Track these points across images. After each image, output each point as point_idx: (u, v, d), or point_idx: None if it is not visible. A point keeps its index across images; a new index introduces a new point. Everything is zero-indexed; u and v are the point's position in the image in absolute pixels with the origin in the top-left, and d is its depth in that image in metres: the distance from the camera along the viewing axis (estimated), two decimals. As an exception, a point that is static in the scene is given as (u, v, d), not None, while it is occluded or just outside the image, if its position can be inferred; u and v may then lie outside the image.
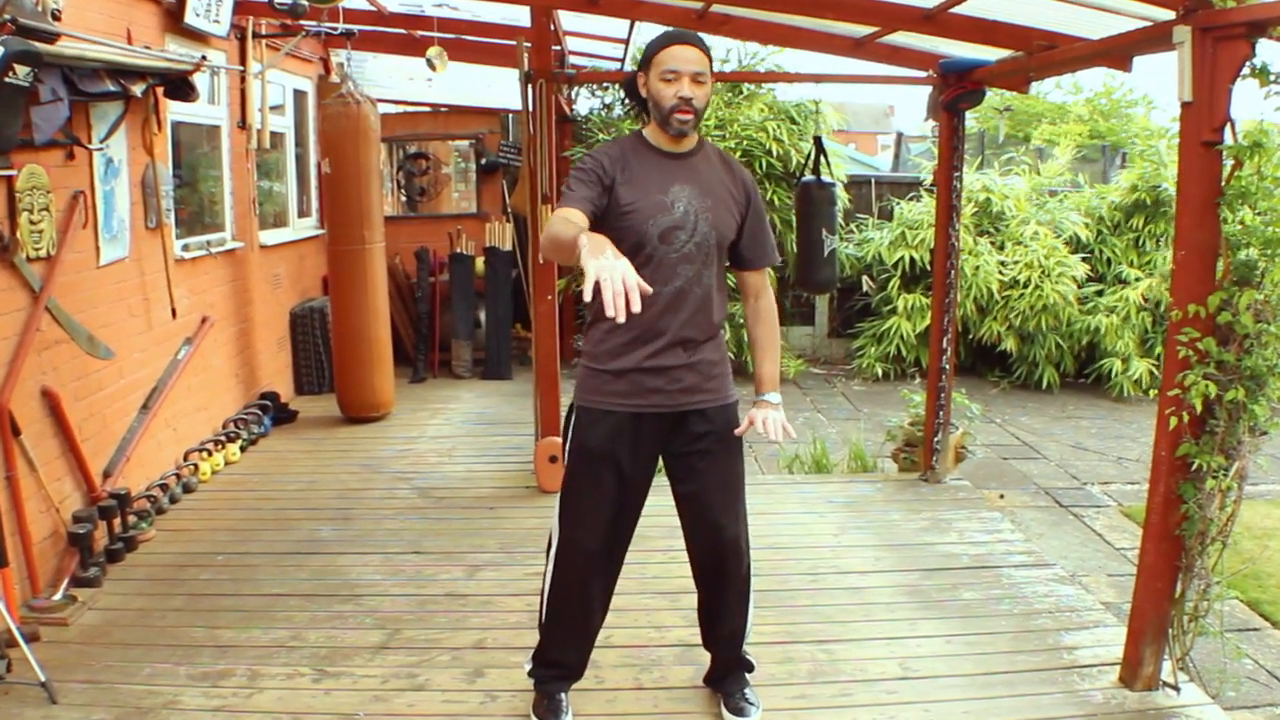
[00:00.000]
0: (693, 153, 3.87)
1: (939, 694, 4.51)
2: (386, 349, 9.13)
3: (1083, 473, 9.00)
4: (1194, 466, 4.11)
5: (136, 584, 5.62)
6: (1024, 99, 24.05)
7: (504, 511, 6.81)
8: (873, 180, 14.05)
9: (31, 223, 5.35)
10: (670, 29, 3.95)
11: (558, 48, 8.10)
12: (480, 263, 11.35)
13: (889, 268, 12.40)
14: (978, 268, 11.69)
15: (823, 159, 7.77)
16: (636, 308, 2.97)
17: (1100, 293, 12.01)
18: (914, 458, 7.65)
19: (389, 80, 11.73)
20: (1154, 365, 11.47)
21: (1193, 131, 4.02)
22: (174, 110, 7.32)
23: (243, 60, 8.37)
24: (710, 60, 3.76)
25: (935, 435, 7.32)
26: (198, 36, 7.48)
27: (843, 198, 12.39)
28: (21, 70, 4.46)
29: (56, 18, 5.27)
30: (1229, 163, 3.96)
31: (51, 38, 4.95)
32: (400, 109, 12.62)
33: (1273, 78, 3.82)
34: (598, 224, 3.66)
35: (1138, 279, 11.85)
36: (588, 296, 3.28)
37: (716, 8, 6.57)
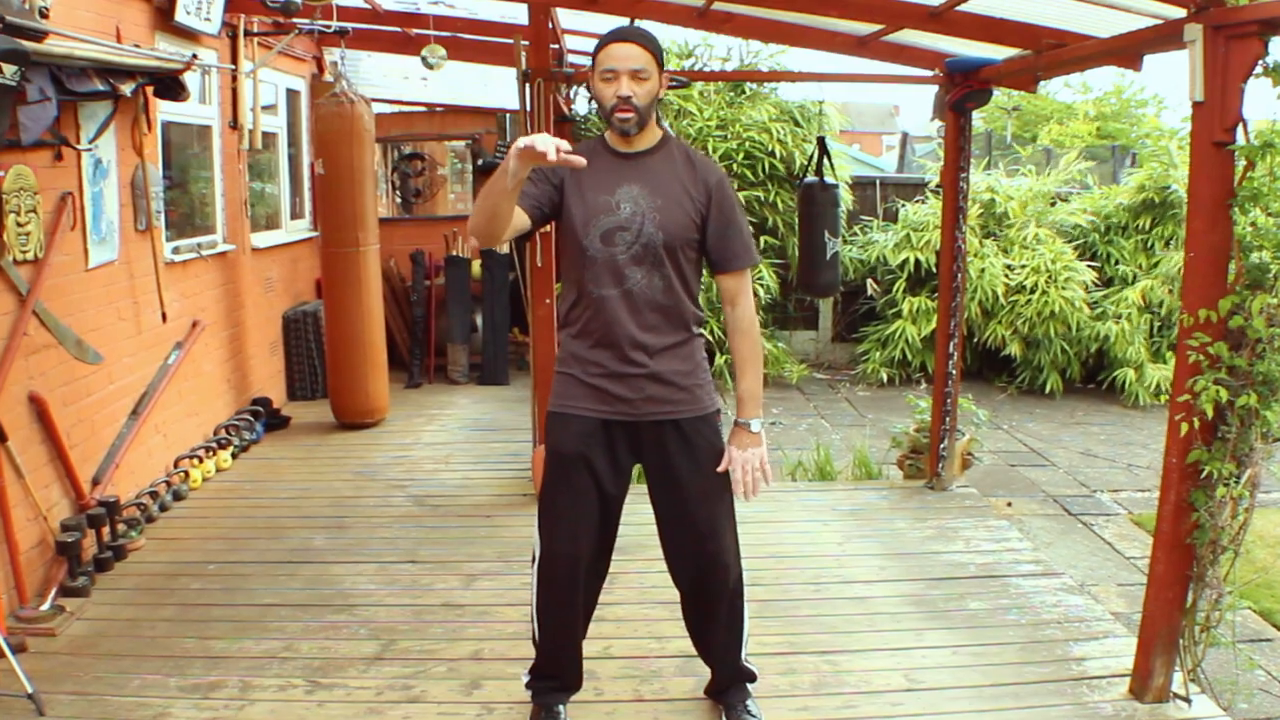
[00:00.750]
0: (650, 151, 3.84)
1: (946, 706, 4.51)
2: (381, 354, 9.12)
3: (1092, 480, 9.00)
4: (1205, 474, 4.11)
5: (126, 594, 5.62)
6: (1032, 99, 24.12)
7: (501, 520, 6.81)
8: (877, 181, 14.06)
9: (18, 225, 5.35)
10: (612, 28, 3.94)
11: (556, 46, 8.07)
12: (477, 266, 11.36)
13: (894, 270, 12.41)
14: (983, 271, 11.70)
15: (826, 160, 7.79)
16: (566, 145, 3.17)
17: (1108, 297, 12.01)
18: (919, 465, 7.65)
19: (384, 79, 11.73)
20: (1168, 373, 11.47)
21: (1204, 132, 4.01)
22: (164, 110, 7.33)
23: (234, 59, 8.38)
24: (654, 55, 3.71)
25: (941, 442, 7.32)
26: (188, 34, 7.48)
27: (846, 199, 12.43)
28: (8, 69, 4.46)
29: (44, 15, 5.27)
30: (1241, 163, 3.96)
31: (39, 36, 4.95)
32: (395, 109, 12.62)
33: (1286, 76, 3.83)
34: (544, 222, 3.84)
35: (1150, 287, 11.84)
36: (511, 155, 3.26)
37: (718, 5, 6.58)
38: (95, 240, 6.24)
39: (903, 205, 13.01)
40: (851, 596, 5.64)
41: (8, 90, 4.53)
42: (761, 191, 11.85)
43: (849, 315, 13.29)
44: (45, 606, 5.24)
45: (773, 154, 11.72)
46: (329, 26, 8.63)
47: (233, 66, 8.36)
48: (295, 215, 10.72)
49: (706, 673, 4.39)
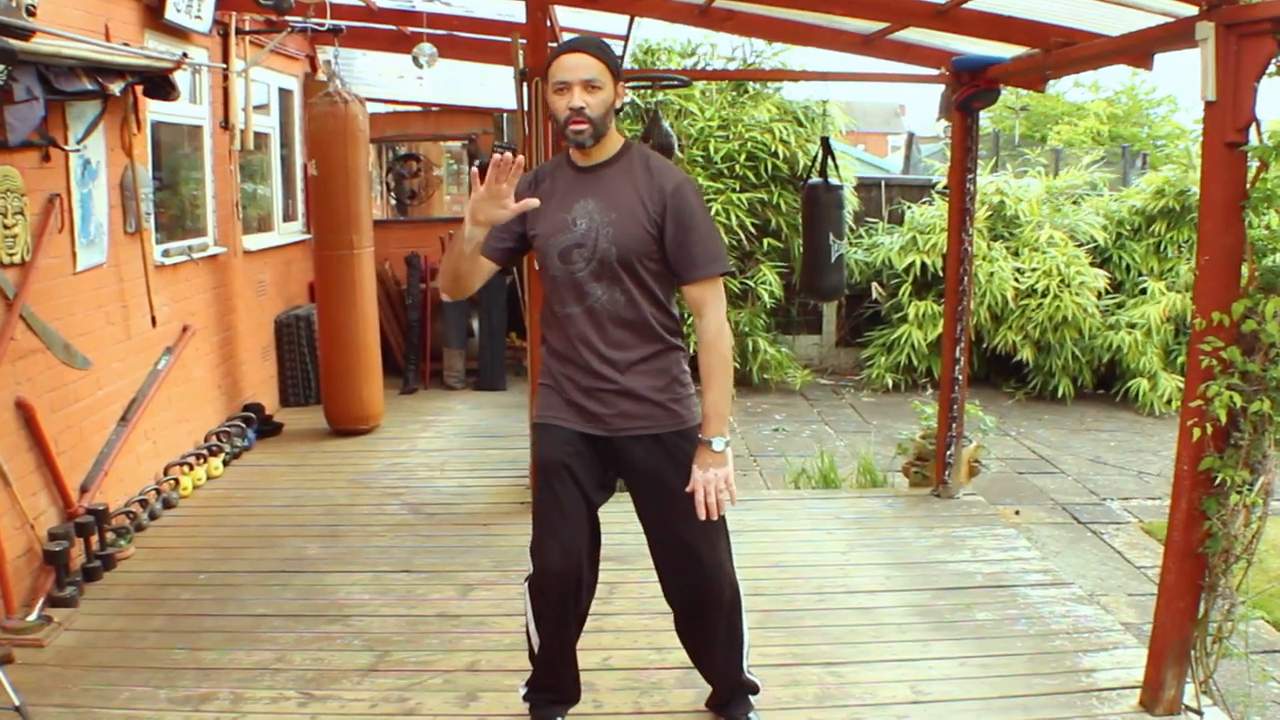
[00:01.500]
0: (609, 163, 3.82)
1: (952, 718, 4.51)
2: (375, 359, 9.13)
3: (1102, 488, 9.00)
4: (1217, 481, 4.11)
5: (115, 604, 5.62)
6: (1041, 98, 24.12)
7: (498, 528, 6.81)
8: (882, 183, 14.05)
9: (5, 227, 5.36)
10: (565, 40, 3.95)
11: (554, 44, 8.09)
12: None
13: (899, 273, 12.41)
14: (992, 274, 11.69)
15: (830, 161, 7.80)
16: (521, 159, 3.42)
17: (1121, 304, 12.01)
18: (925, 472, 7.65)
19: (378, 78, 11.74)
20: (1182, 382, 11.46)
21: (1216, 132, 4.02)
22: (154, 110, 7.34)
23: (225, 58, 8.38)
24: (607, 64, 3.70)
25: (948, 449, 7.32)
26: (179, 33, 7.49)
27: (851, 201, 12.43)
28: (-4, 68, 4.47)
29: (31, 13, 5.27)
30: (1254, 164, 3.96)
31: (26, 34, 4.96)
32: (390, 108, 12.62)
33: (1300, 76, 3.83)
34: (512, 256, 3.94)
35: (1161, 292, 11.84)
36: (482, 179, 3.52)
37: (719, 3, 6.59)
38: (84, 243, 6.24)
39: (909, 207, 13.00)
40: (856, 607, 5.64)
41: (-6, 89, 4.54)
42: (764, 193, 11.87)
43: (854, 319, 13.29)
44: (32, 617, 5.23)
45: (776, 155, 11.74)
46: (322, 24, 8.64)
47: (224, 65, 8.36)
48: (288, 217, 10.73)
49: (708, 684, 4.40)
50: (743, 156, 11.71)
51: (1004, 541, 6.61)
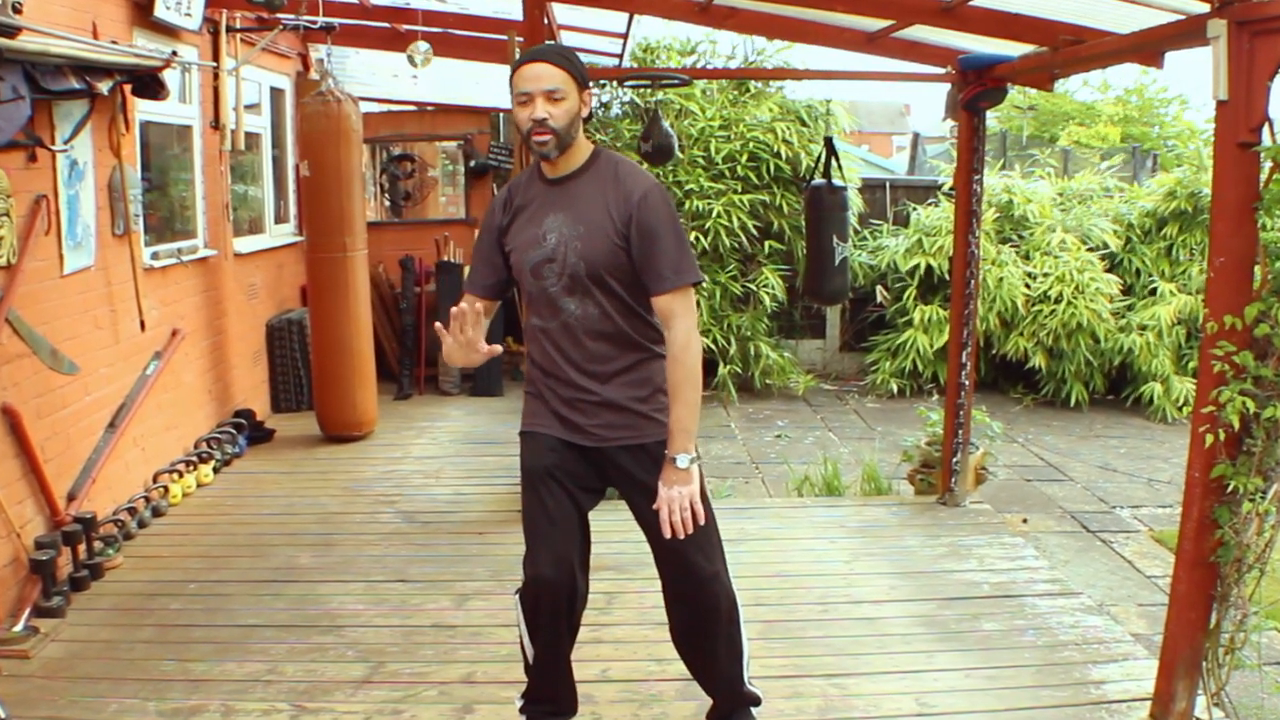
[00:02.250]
0: (577, 174, 3.82)
1: (959, 731, 4.51)
2: (369, 364, 9.14)
3: (1111, 495, 9.01)
4: (1230, 489, 4.11)
5: (103, 614, 5.62)
6: (1049, 97, 24.15)
7: (494, 537, 6.80)
8: (887, 184, 14.08)
9: (-9, 229, 5.36)
10: (527, 50, 3.96)
11: (550, 42, 8.10)
12: (469, 272, 11.33)
13: (904, 276, 12.42)
14: (1001, 279, 11.70)
15: (834, 161, 7.80)
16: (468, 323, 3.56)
17: (1131, 307, 12.02)
18: (931, 480, 7.65)
19: (372, 77, 11.75)
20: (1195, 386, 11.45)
21: (1228, 132, 4.02)
22: (143, 109, 7.34)
23: (216, 56, 8.39)
24: (571, 73, 3.68)
25: (954, 456, 7.32)
26: (168, 31, 7.50)
27: (855, 203, 12.44)
28: (-19, 67, 4.48)
29: (17, 10, 5.28)
30: (1267, 165, 3.97)
31: (12, 32, 4.96)
32: (384, 108, 12.65)
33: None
34: (510, 280, 3.99)
35: (1171, 293, 11.86)
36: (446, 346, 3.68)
37: (721, 0, 6.59)
38: (71, 245, 6.25)
39: (914, 209, 13.02)
40: (860, 617, 5.64)
41: (-20, 89, 4.54)
42: (766, 194, 11.88)
43: (858, 324, 13.30)
44: (18, 628, 5.23)
45: (778, 155, 11.75)
46: (314, 22, 8.65)
47: (214, 64, 8.37)
48: (279, 219, 10.74)
49: (708, 697, 4.39)
50: (744, 157, 11.72)
51: (1011, 550, 6.61)
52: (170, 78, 7.01)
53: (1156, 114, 26.40)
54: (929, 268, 12.22)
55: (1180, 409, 11.42)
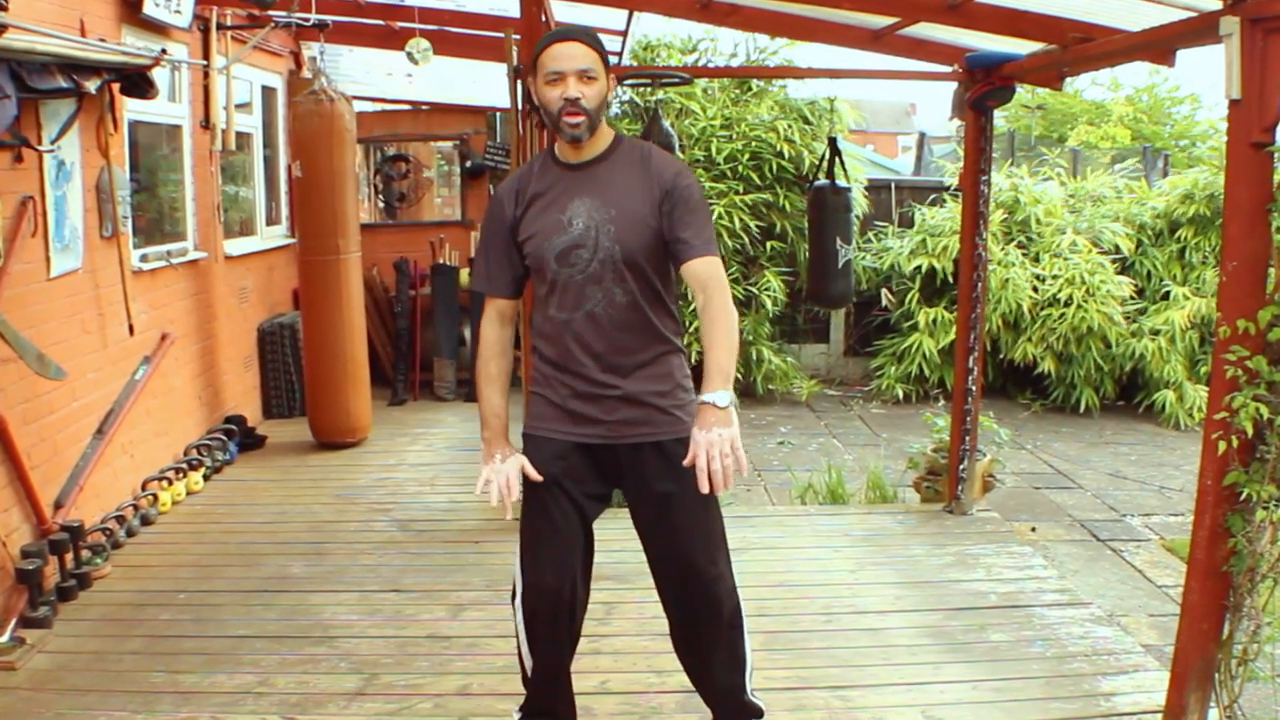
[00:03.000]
0: (602, 158, 3.82)
1: (966, 745, 4.52)
2: (363, 369, 9.14)
3: (1122, 503, 9.01)
4: (1243, 496, 4.11)
5: (91, 624, 5.62)
6: (1058, 96, 24.16)
7: (490, 546, 6.80)
8: (892, 184, 14.07)
9: (-23, 231, 5.36)
10: (553, 29, 3.94)
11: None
12: (465, 275, 11.35)
13: (908, 281, 12.41)
14: (1007, 280, 11.70)
15: (838, 161, 7.81)
16: (515, 494, 3.77)
17: (1143, 311, 12.02)
18: (937, 487, 7.65)
19: (366, 76, 11.75)
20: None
21: (1241, 132, 4.02)
22: (131, 109, 7.35)
23: (206, 54, 8.39)
24: (601, 55, 3.71)
25: (961, 463, 7.32)
26: (157, 28, 7.50)
27: (860, 204, 12.44)
28: (-33, 65, 4.48)
29: (3, 8, 5.27)
30: (1281, 165, 3.97)
31: (-1, 30, 4.96)
32: (378, 107, 12.65)
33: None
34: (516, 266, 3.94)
35: (1185, 296, 11.86)
36: (477, 491, 3.83)
37: (722, -3, 6.60)
38: (58, 247, 6.25)
39: (920, 210, 13.02)
40: (865, 628, 5.64)
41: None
42: (769, 194, 11.88)
43: (862, 328, 13.30)
44: (4, 638, 5.23)
45: (781, 154, 11.75)
46: (307, 19, 8.65)
47: (205, 62, 8.37)
48: (271, 221, 10.74)
49: (709, 708, 4.39)
50: (746, 157, 11.73)
51: (1019, 560, 6.61)
52: (160, 76, 7.01)
53: (1167, 113, 26.41)
54: (932, 269, 12.22)
55: (1193, 415, 11.41)
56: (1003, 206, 12.36)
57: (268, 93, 10.51)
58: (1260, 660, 4.38)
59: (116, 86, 6.66)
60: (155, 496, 7.30)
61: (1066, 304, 11.70)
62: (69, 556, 6.00)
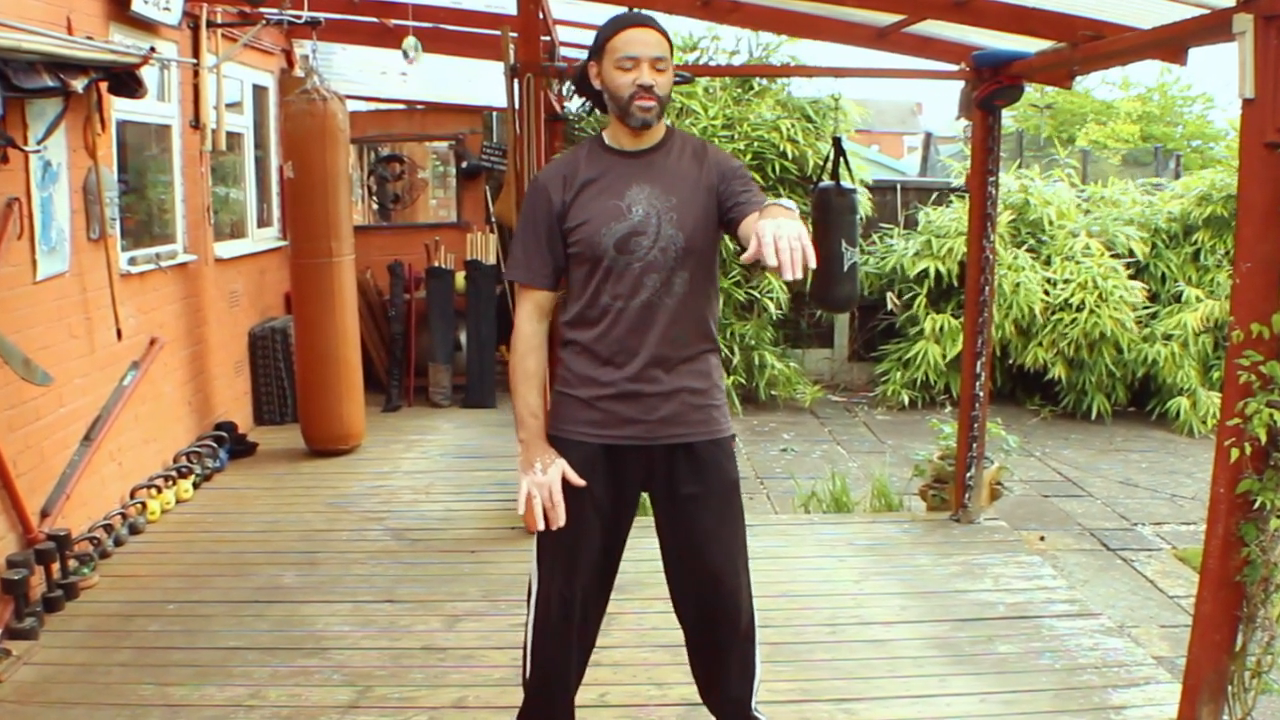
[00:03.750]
0: (657, 148, 3.84)
1: (973, 759, 4.51)
2: (356, 374, 9.14)
3: (1132, 512, 9.01)
4: (1256, 505, 4.11)
5: (78, 636, 5.62)
6: (1067, 96, 24.18)
7: (487, 555, 6.81)
8: (898, 185, 14.08)
9: (-39, 233, 5.36)
10: (623, 12, 3.94)
11: (547, 38, 8.09)
12: (461, 278, 11.35)
13: (914, 285, 12.41)
14: (1018, 285, 11.70)
15: (842, 162, 7.79)
16: (560, 523, 3.71)
17: (1155, 315, 12.03)
18: (944, 495, 7.65)
19: (359, 75, 11.76)
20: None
21: (1255, 131, 4.02)
22: (119, 108, 7.35)
23: (196, 52, 8.38)
24: (670, 46, 3.75)
25: (968, 470, 7.33)
26: (146, 26, 7.51)
27: (865, 205, 12.43)
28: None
29: (-10, 5, 5.29)
30: (1295, 166, 3.97)
31: (-16, 27, 4.97)
32: (372, 107, 12.66)
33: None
34: (559, 256, 3.84)
35: (1197, 298, 11.87)
36: (520, 510, 3.80)
37: (724, -6, 6.61)
38: (44, 250, 6.25)
39: (926, 211, 13.01)
40: (870, 639, 5.64)
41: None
42: (771, 195, 11.81)
43: (867, 332, 13.31)
44: (-12, 650, 5.24)
45: (784, 155, 11.75)
46: (299, 17, 8.64)
47: (194, 61, 8.36)
48: (262, 223, 10.74)
49: (712, 721, 4.39)
50: (748, 157, 11.71)
51: (1028, 569, 6.61)
52: (148, 75, 7.02)
53: (1179, 113, 26.43)
54: (938, 272, 12.22)
55: (1206, 422, 11.41)
56: (1012, 208, 12.37)
57: (259, 92, 10.52)
58: (1274, 672, 4.38)
59: (104, 85, 6.66)
60: (144, 505, 7.29)
61: (1078, 309, 11.70)
62: (55, 566, 5.98)
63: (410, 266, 11.45)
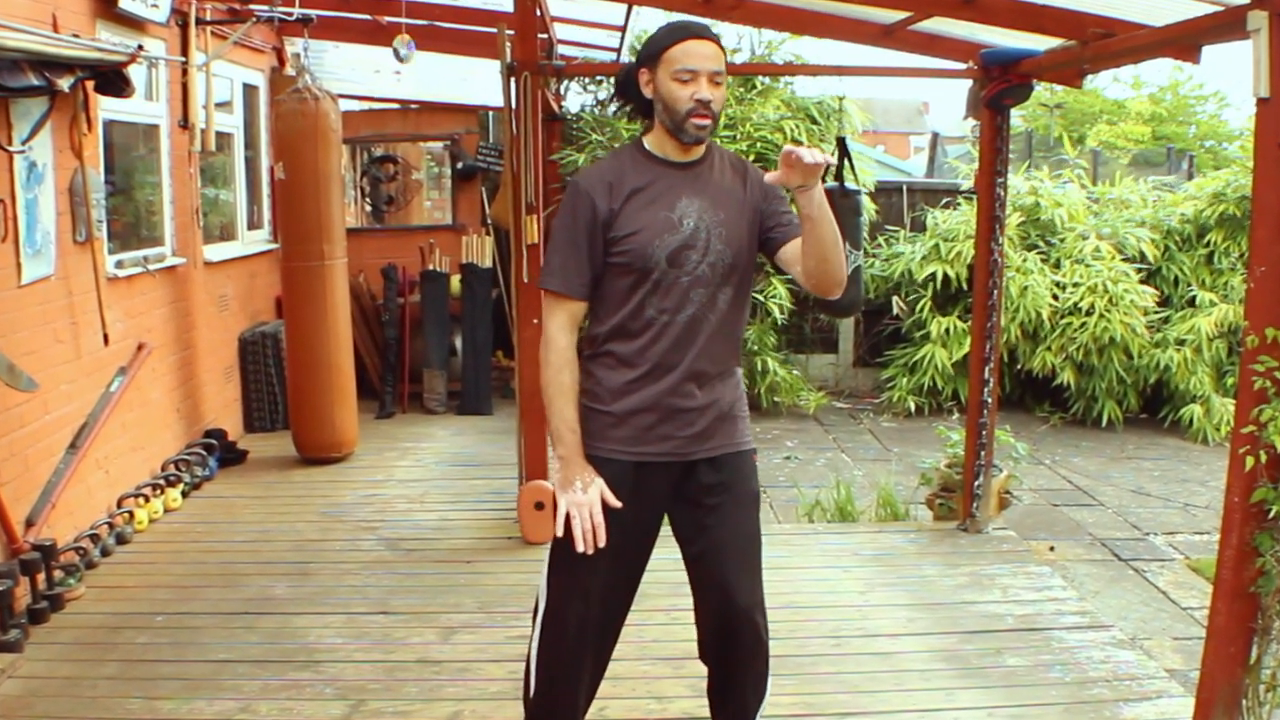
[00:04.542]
0: (701, 160, 3.84)
1: (982, 774, 4.52)
2: (349, 380, 9.14)
3: (1144, 521, 9.01)
4: (1271, 514, 4.11)
5: (63, 648, 5.61)
6: (1078, 95, 24.21)
7: (483, 565, 6.81)
8: (904, 187, 14.07)
9: (-55, 235, 5.37)
10: (681, 20, 3.92)
11: (545, 36, 8.11)
12: (456, 282, 11.36)
13: (919, 289, 12.41)
14: (1026, 288, 11.69)
15: (847, 163, 7.80)
16: (602, 542, 3.66)
17: (1167, 319, 12.02)
18: (951, 504, 7.65)
19: (352, 73, 11.77)
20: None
21: (1270, 131, 4.02)
22: (106, 107, 7.35)
23: (185, 50, 8.39)
24: (725, 58, 3.76)
25: (975, 479, 7.33)
26: (134, 23, 7.52)
27: (869, 208, 12.42)
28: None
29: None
30: (1311, 167, 3.97)
31: (-32, 25, 4.97)
32: (365, 106, 12.66)
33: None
34: (598, 265, 3.78)
35: (1211, 302, 11.86)
36: (559, 532, 3.72)
37: (726, -9, 6.61)
38: (29, 253, 6.25)
39: (932, 214, 13.01)
40: (875, 652, 5.63)
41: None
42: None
43: (872, 337, 13.30)
44: (-28, 663, 5.24)
45: (787, 156, 11.73)
46: (290, 14, 8.66)
47: (183, 59, 8.36)
48: (253, 225, 10.75)
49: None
50: (751, 158, 11.71)
51: (1037, 580, 6.61)
52: (136, 74, 7.03)
53: (1192, 112, 26.44)
54: (945, 276, 12.21)
55: (1220, 430, 11.40)
56: (1021, 210, 12.36)
57: (249, 91, 10.52)
58: (1290, 685, 4.39)
59: (91, 84, 6.67)
60: (131, 514, 7.29)
61: (1088, 313, 11.68)
62: (41, 577, 5.98)
63: (404, 270, 11.46)
